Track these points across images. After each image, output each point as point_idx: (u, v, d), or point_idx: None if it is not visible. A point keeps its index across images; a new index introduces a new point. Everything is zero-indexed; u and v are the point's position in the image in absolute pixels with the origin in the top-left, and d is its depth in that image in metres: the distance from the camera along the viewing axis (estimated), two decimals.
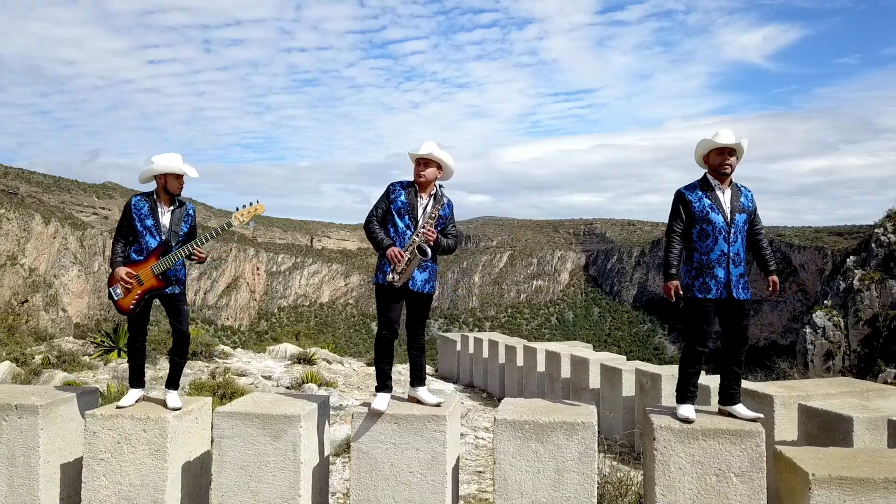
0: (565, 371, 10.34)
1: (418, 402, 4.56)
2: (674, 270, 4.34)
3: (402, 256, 4.33)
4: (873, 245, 65.84)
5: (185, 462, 4.65)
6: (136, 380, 4.95)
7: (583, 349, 11.25)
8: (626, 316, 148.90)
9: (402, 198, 4.55)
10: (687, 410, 4.26)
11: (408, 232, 4.44)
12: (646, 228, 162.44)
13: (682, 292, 4.34)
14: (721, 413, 4.40)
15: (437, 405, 4.49)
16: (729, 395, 4.43)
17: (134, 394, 4.89)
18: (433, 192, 4.59)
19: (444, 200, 4.61)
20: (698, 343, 4.40)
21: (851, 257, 69.89)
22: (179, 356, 4.93)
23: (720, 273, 4.32)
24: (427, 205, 4.55)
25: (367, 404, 4.46)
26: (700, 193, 4.43)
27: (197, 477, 4.74)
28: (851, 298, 65.43)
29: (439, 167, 4.62)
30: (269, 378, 11.92)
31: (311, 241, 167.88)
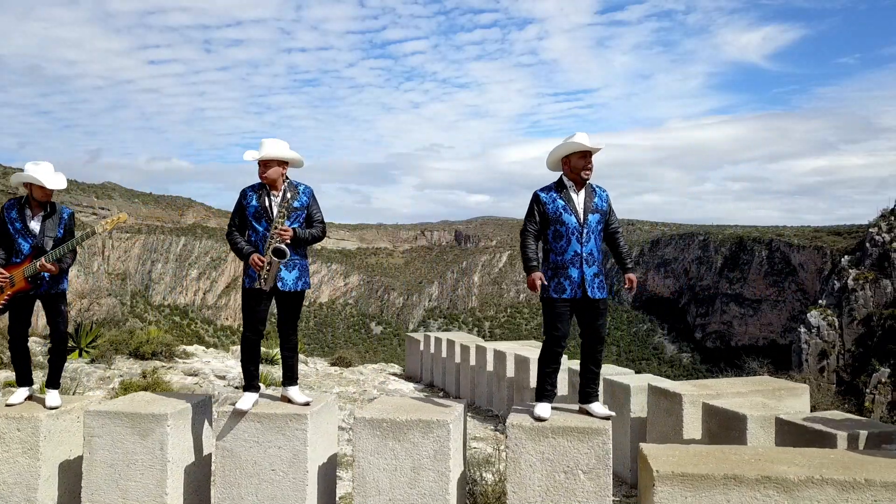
0: (510, 370, 10.38)
1: (289, 401, 4.61)
2: (534, 263, 4.38)
3: (262, 262, 4.37)
4: (867, 245, 65.80)
5: (64, 461, 4.70)
6: (24, 378, 5.01)
7: (533, 349, 11.29)
8: (626, 316, 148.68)
9: (254, 202, 4.57)
10: (542, 409, 4.30)
11: (267, 234, 4.47)
12: (645, 228, 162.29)
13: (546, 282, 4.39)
14: (581, 411, 4.44)
15: (306, 404, 4.53)
16: (586, 393, 4.47)
17: (22, 392, 4.96)
18: (283, 187, 4.62)
19: (299, 190, 4.64)
20: (554, 343, 4.44)
21: (846, 257, 69.86)
22: (57, 355, 5.00)
23: (574, 273, 4.36)
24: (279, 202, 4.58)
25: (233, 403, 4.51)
26: (554, 195, 4.47)
27: (77, 476, 4.80)
28: (846, 298, 65.39)
29: (282, 163, 4.61)
30: (223, 378, 11.98)
31: None
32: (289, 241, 4.42)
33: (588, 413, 4.36)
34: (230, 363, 14.15)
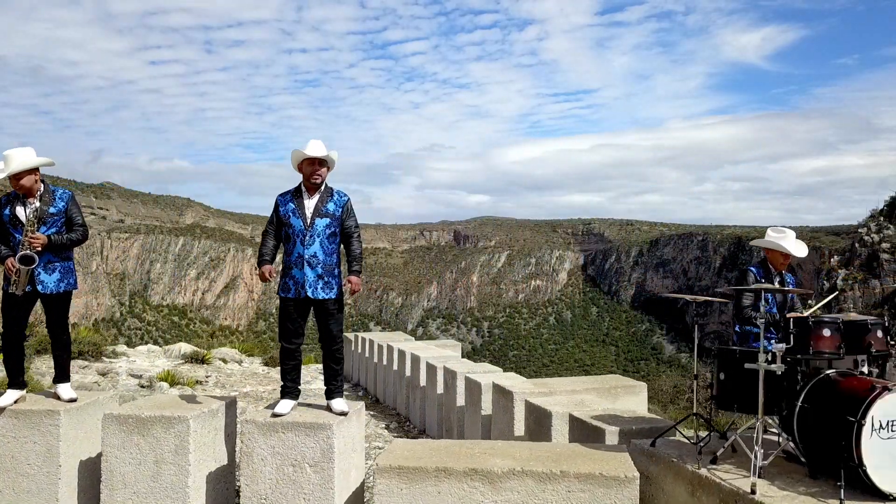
0: (407, 369, 10.52)
1: (58, 397, 4.74)
2: (266, 258, 4.57)
3: (13, 268, 4.48)
4: (857, 245, 65.62)
5: None
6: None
7: (436, 348, 11.42)
8: (625, 316, 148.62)
9: (7, 211, 4.66)
10: (281, 406, 4.43)
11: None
12: (644, 228, 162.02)
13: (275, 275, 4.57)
14: (327, 408, 4.58)
15: (72, 400, 4.66)
16: (328, 390, 4.61)
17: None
18: (39, 194, 4.73)
19: (55, 196, 4.72)
20: (284, 340, 4.59)
21: (835, 257, 69.70)
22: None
23: (297, 274, 4.50)
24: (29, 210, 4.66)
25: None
26: (288, 198, 4.61)
27: None
28: (835, 299, 65.12)
29: (34, 170, 4.64)
30: (139, 377, 12.13)
31: None
32: (39, 248, 4.51)
33: (330, 409, 4.50)
34: (161, 361, 14.33)
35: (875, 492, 3.54)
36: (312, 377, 14.39)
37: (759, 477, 3.88)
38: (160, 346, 17.30)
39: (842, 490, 3.54)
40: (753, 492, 3.66)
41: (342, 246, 4.74)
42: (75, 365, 12.33)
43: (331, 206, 4.57)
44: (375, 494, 3.91)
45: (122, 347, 15.12)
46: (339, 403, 4.50)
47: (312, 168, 4.51)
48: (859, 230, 65.84)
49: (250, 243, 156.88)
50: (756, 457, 3.82)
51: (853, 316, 4.38)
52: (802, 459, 3.96)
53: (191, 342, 20.94)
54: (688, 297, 4.86)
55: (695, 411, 4.49)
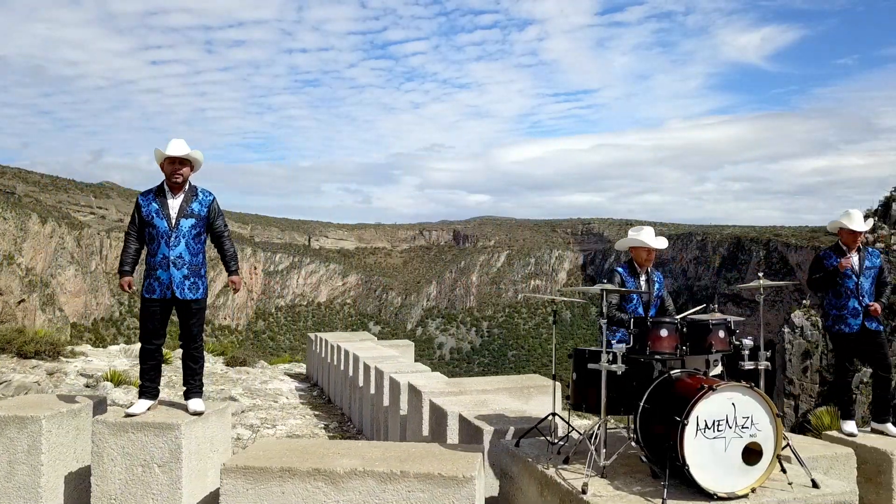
0: (350, 370, 10.54)
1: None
2: (127, 267, 4.55)
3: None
4: None
5: None
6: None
7: (385, 349, 11.44)
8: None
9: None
10: (137, 406, 4.44)
11: None
12: None
13: (133, 287, 4.54)
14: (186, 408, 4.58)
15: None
16: (187, 390, 4.62)
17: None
18: None
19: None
20: (145, 340, 4.58)
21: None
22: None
23: (163, 275, 4.48)
24: None
25: None
26: (151, 199, 4.60)
27: None
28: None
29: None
30: (90, 377, 12.14)
31: (309, 240, 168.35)
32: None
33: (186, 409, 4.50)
34: (122, 360, 14.34)
35: (701, 490, 3.54)
36: (270, 377, 14.42)
37: (602, 477, 3.88)
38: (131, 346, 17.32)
39: (664, 490, 3.54)
40: (584, 491, 3.66)
41: (216, 248, 4.73)
42: (25, 364, 12.36)
43: (196, 207, 4.57)
44: (221, 495, 3.91)
45: (85, 347, 15.15)
46: (195, 403, 4.50)
47: (173, 167, 4.51)
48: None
49: (249, 243, 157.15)
50: (590, 457, 3.82)
51: (707, 315, 4.37)
52: (643, 459, 3.96)
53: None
54: (546, 296, 4.86)
55: (553, 411, 4.48)
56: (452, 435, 5.77)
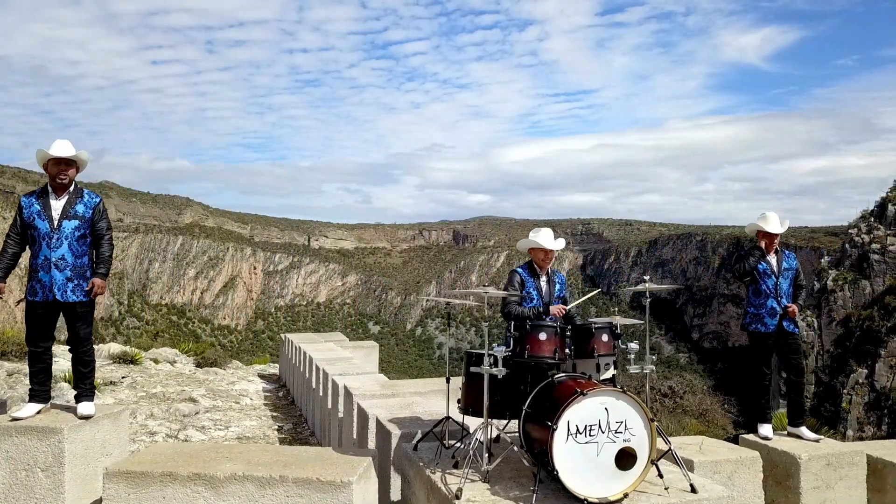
0: (307, 371, 10.54)
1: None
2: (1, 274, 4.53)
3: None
4: (847, 246, 65.39)
5: None
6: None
7: (325, 343, 11.52)
8: (623, 316, 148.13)
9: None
10: (24, 409, 4.44)
11: None
12: (643, 228, 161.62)
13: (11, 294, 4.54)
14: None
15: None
16: (77, 393, 4.62)
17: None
18: None
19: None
20: (32, 343, 4.58)
21: (825, 258, 69.46)
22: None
23: (44, 277, 4.47)
24: None
25: None
26: (33, 200, 4.59)
27: None
28: (825, 299, 65.01)
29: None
30: (10, 375, 12.15)
31: (309, 240, 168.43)
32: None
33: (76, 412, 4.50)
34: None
35: (573, 496, 3.53)
36: (240, 378, 14.43)
37: (485, 481, 3.88)
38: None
39: (534, 495, 3.53)
40: (458, 497, 3.65)
41: (94, 248, 4.70)
42: None
43: (80, 208, 4.56)
44: (104, 499, 3.91)
45: (56, 347, 15.16)
46: (84, 407, 4.50)
47: (58, 168, 4.50)
48: (850, 231, 65.61)
49: (249, 242, 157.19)
50: (468, 461, 3.81)
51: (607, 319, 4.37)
52: (526, 463, 3.95)
53: (183, 341, 20.93)
54: (441, 298, 4.86)
55: (447, 415, 4.47)
56: (372, 438, 5.77)
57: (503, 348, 4.02)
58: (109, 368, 13.55)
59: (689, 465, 4.63)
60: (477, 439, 3.94)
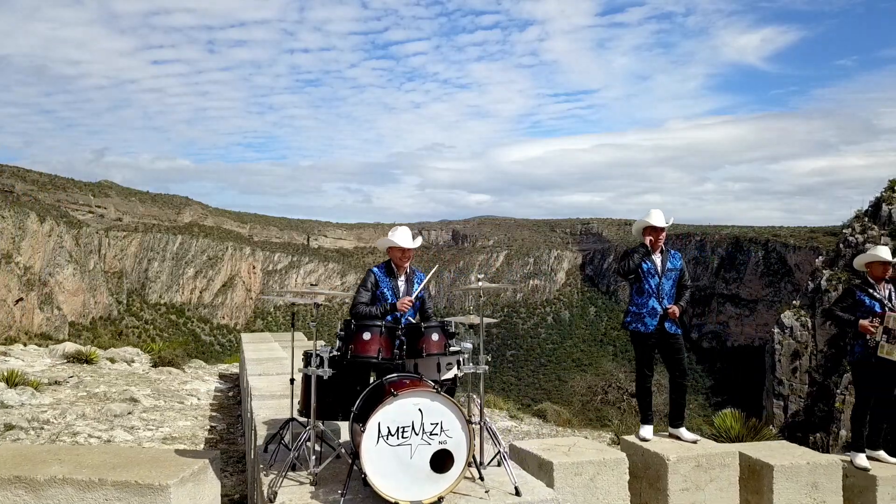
0: (245, 363, 10.51)
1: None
2: None
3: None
4: (841, 246, 65.15)
5: None
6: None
7: (277, 341, 11.39)
8: (622, 316, 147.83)
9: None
10: None
11: None
12: None
13: None
14: None
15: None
16: None
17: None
18: None
19: None
20: None
21: (819, 258, 69.21)
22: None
23: None
24: None
25: None
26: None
27: None
28: (819, 299, 64.76)
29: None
30: None
31: (308, 239, 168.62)
32: None
33: None
34: (45, 361, 14.32)
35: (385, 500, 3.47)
36: (195, 377, 14.37)
37: (314, 484, 3.81)
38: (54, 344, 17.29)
39: (342, 498, 3.47)
40: (271, 499, 3.59)
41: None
42: None
43: None
44: None
45: (15, 347, 15.15)
46: None
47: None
48: (844, 231, 65.28)
49: (248, 242, 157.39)
50: (287, 464, 3.75)
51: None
52: (356, 467, 3.88)
53: (173, 340, 20.81)
54: (279, 298, 4.78)
55: (291, 416, 4.41)
56: (259, 438, 5.72)
57: (329, 348, 3.96)
58: (61, 368, 13.51)
59: (548, 468, 4.57)
60: (301, 441, 3.89)
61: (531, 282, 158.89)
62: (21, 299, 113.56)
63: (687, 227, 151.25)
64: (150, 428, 9.68)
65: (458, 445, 3.56)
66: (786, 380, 64.72)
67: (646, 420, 5.47)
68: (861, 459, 5.44)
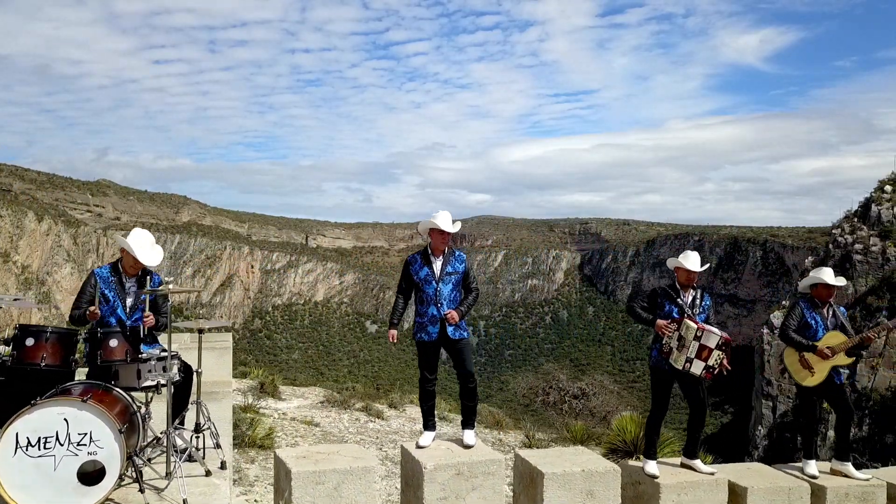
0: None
1: None
2: None
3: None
4: (830, 246, 64.78)
5: None
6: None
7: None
8: (621, 315, 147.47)
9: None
10: None
11: None
12: (641, 228, 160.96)
13: None
14: None
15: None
16: None
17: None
18: None
19: None
20: None
21: (809, 258, 68.80)
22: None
23: None
24: None
25: None
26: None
27: None
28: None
29: None
30: None
31: (306, 239, 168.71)
32: None
33: None
34: None
35: None
36: None
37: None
38: None
39: None
40: None
41: None
42: None
43: None
44: None
45: None
46: None
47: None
48: (833, 231, 64.89)
49: (246, 241, 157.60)
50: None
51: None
52: None
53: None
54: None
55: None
56: None
57: (3, 347, 3.81)
58: None
59: (290, 477, 4.40)
60: None
61: (529, 281, 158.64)
62: (18, 298, 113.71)
63: (686, 227, 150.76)
64: None
65: (109, 456, 3.41)
66: (774, 380, 64.38)
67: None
68: (651, 467, 5.29)
